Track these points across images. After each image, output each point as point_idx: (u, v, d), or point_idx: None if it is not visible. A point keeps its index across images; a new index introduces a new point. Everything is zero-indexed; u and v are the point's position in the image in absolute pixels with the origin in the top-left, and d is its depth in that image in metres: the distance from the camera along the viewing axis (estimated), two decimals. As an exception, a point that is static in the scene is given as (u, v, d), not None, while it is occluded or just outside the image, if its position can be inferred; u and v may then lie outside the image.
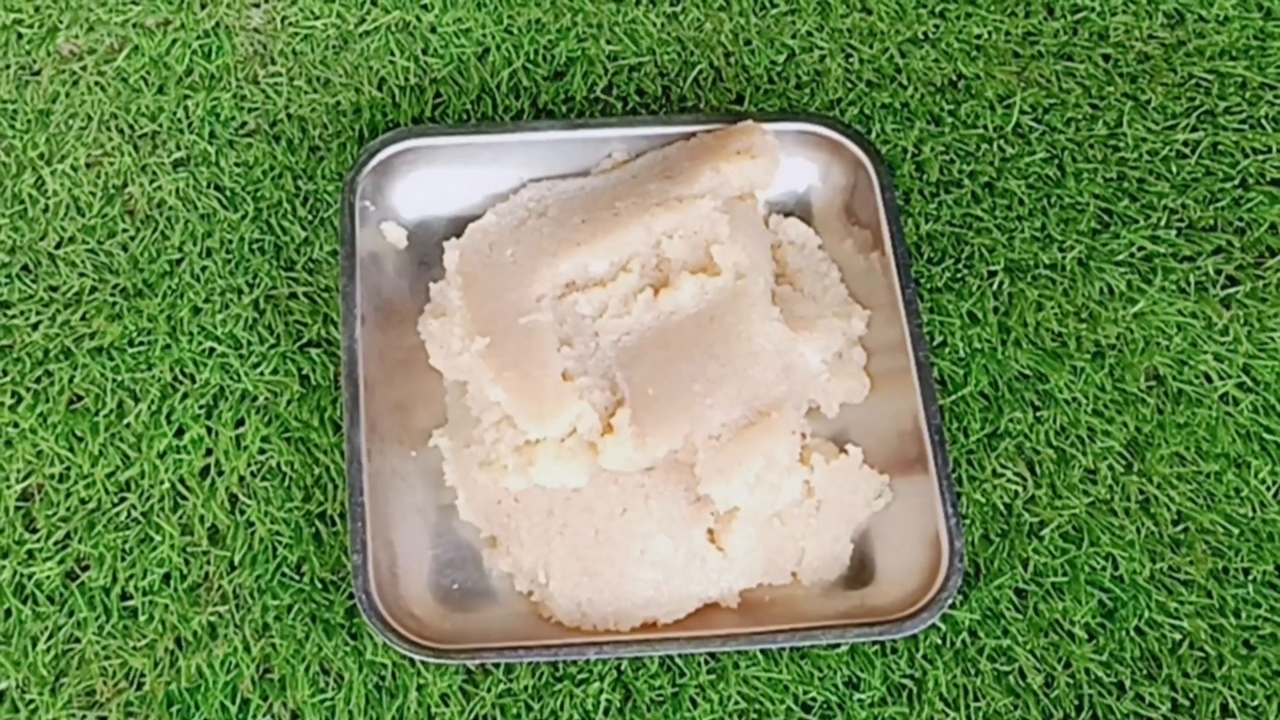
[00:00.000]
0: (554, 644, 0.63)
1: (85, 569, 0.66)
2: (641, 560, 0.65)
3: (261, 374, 0.70)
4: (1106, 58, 0.78)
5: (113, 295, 0.72)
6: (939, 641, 0.66)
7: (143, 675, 0.64)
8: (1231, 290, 0.73)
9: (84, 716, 0.64)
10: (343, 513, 0.67)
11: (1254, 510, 0.69)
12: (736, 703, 0.64)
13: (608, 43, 0.78)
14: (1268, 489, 0.69)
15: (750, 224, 0.71)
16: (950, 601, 0.63)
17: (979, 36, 0.79)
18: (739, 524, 0.65)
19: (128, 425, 0.69)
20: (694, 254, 0.69)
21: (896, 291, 0.69)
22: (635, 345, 0.67)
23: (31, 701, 0.64)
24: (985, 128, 0.77)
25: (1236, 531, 0.68)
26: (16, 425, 0.68)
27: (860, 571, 0.67)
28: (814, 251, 0.72)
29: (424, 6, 0.79)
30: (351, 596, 0.65)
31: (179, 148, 0.75)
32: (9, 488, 0.67)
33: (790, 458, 0.66)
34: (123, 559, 0.66)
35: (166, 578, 0.66)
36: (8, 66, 0.77)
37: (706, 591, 0.65)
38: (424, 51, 0.78)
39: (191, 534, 0.67)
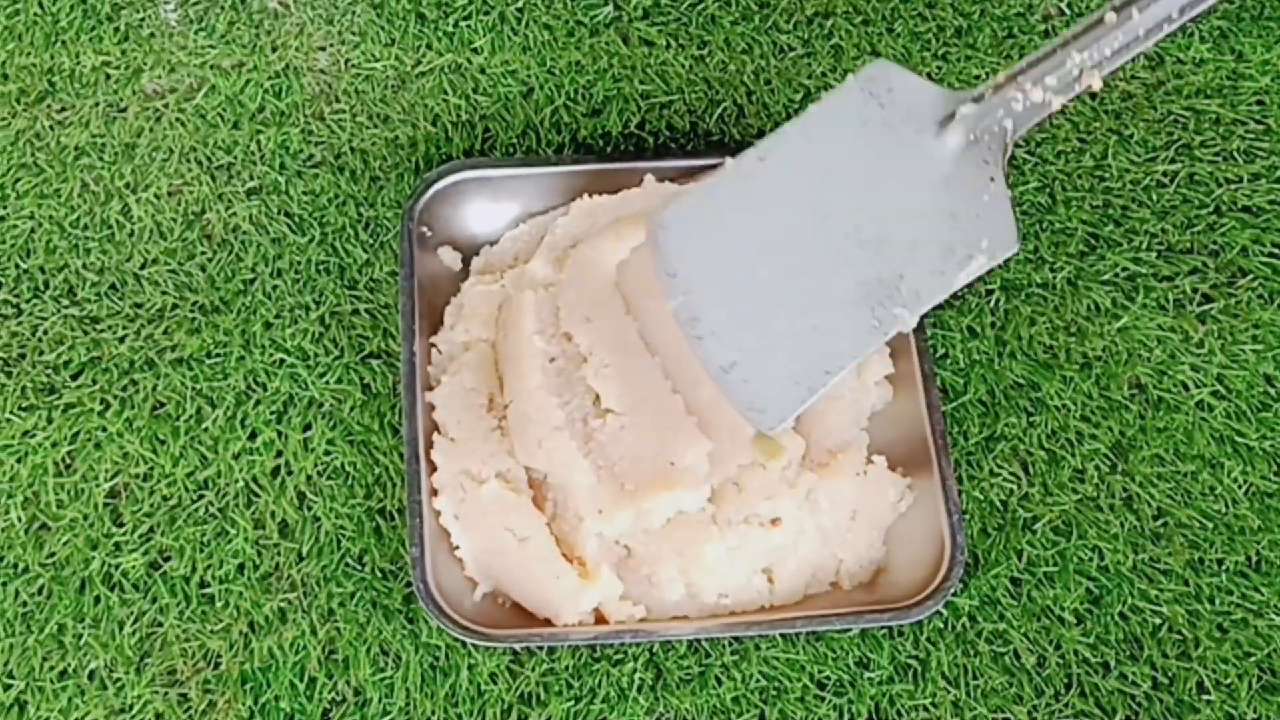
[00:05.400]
0: (593, 629, 0.65)
1: (167, 560, 0.68)
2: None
3: (327, 383, 0.72)
4: (1093, 96, 0.79)
5: (192, 312, 0.73)
6: (941, 625, 0.67)
7: (219, 656, 0.67)
8: (1206, 307, 0.74)
9: (166, 693, 0.66)
10: (400, 508, 0.68)
11: (1227, 506, 0.70)
12: (757, 681, 0.66)
13: (641, 83, 0.79)
14: (1239, 487, 0.70)
15: None
16: (952, 590, 0.65)
17: (978, 77, 0.79)
18: (791, 554, 0.66)
19: (205, 430, 0.70)
20: None
21: (902, 308, 0.69)
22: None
23: (118, 679, 0.66)
24: (983, 159, 0.79)
25: (1211, 525, 0.69)
26: (105, 430, 0.70)
27: (872, 563, 0.68)
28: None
29: (474, 49, 0.80)
30: (409, 585, 0.67)
31: (252, 178, 0.77)
32: (98, 486, 0.69)
33: (850, 493, 0.67)
34: (201, 550, 0.68)
35: (241, 568, 0.68)
36: (97, 104, 0.78)
37: (746, 608, 0.66)
38: (474, 90, 0.79)
39: (263, 528, 0.69)
